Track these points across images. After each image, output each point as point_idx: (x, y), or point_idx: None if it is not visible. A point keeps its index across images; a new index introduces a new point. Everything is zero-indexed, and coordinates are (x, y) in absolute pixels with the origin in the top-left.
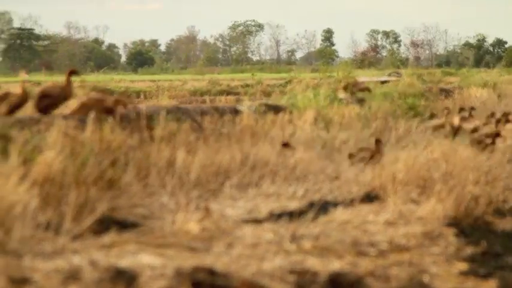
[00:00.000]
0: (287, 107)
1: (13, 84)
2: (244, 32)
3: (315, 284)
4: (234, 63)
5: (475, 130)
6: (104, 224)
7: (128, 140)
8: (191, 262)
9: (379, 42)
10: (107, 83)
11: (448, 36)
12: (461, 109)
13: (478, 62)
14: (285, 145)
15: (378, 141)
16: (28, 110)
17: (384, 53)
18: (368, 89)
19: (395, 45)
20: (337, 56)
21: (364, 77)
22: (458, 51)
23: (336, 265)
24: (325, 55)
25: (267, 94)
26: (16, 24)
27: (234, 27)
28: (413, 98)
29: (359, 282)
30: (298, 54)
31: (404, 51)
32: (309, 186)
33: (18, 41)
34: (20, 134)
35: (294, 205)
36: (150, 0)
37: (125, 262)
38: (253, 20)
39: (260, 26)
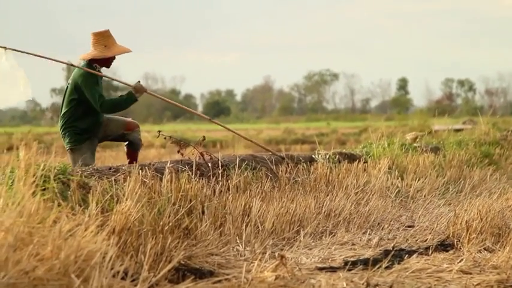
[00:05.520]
0: (362, 155)
1: None
2: (319, 81)
3: None
4: (309, 112)
5: None
6: (180, 273)
7: (204, 188)
8: None
9: (453, 91)
10: (184, 133)
11: None
12: None
13: None
14: None
15: None
16: None
17: (459, 101)
18: None
19: (470, 94)
20: (412, 105)
21: (439, 125)
22: None
23: None
24: (400, 103)
25: (342, 143)
26: None
27: (309, 77)
28: (488, 146)
29: None
30: (373, 103)
31: (479, 99)
32: (383, 234)
33: None
34: (98, 184)
35: (368, 253)
36: (229, 50)
37: None
38: (328, 69)
39: (335, 75)
